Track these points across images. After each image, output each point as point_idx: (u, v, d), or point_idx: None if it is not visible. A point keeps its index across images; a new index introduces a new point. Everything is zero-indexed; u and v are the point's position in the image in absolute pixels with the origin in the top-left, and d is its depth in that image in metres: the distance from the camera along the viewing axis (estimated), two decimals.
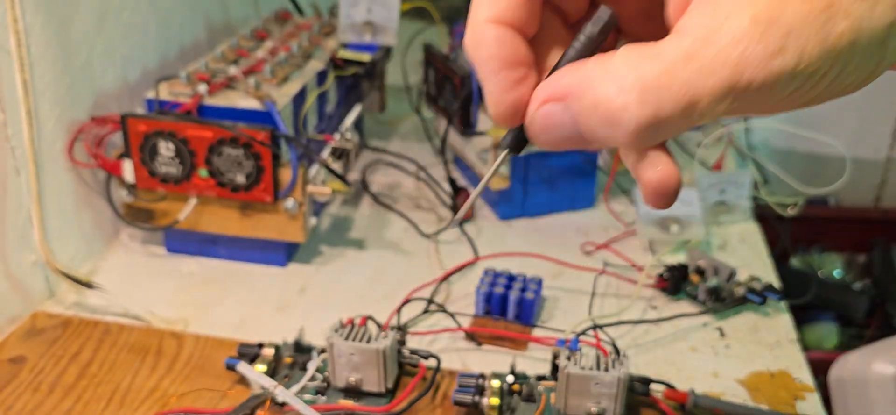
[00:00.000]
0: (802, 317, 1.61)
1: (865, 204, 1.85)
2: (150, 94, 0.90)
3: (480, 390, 0.70)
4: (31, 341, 0.80)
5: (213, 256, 0.97)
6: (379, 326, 0.78)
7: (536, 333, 0.83)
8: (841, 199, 1.83)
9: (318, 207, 1.07)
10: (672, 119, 0.26)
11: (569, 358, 0.68)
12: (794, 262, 1.69)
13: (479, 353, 0.81)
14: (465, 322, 0.84)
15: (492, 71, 0.30)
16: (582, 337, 0.80)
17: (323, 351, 0.76)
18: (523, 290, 0.84)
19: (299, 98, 0.94)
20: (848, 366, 0.23)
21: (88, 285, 0.86)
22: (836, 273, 1.76)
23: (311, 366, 0.74)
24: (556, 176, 1.08)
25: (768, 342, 0.84)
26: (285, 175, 0.87)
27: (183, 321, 0.85)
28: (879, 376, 0.21)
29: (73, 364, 0.77)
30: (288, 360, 0.75)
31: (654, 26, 0.30)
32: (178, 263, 0.96)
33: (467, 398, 0.70)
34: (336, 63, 1.06)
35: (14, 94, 0.79)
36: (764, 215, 1.18)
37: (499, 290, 0.84)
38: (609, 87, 0.26)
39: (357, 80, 1.13)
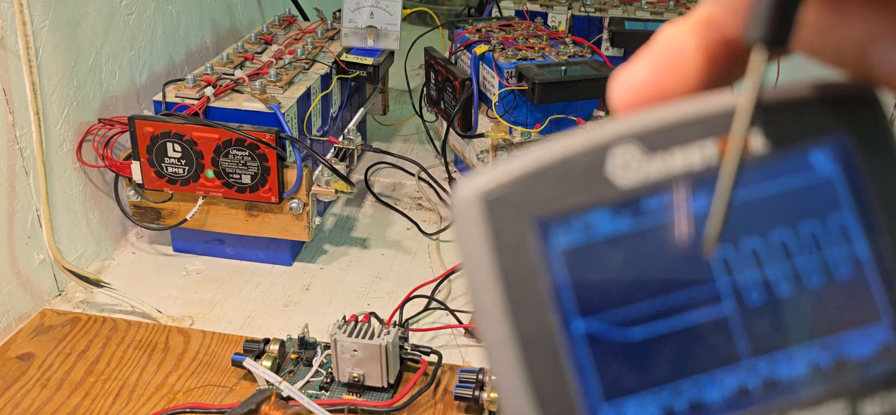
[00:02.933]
0: None
1: None
2: (158, 97, 0.90)
3: (480, 385, 0.70)
4: (39, 338, 0.80)
5: (220, 255, 0.96)
6: (381, 322, 0.78)
7: None
8: None
9: (323, 207, 1.07)
10: None
11: None
12: None
13: (480, 349, 0.81)
14: (466, 319, 0.84)
15: None
16: None
17: (327, 347, 0.75)
18: None
19: (304, 101, 0.94)
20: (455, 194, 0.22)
21: (96, 284, 0.85)
22: None
23: (316, 361, 0.74)
24: None
25: None
26: (290, 176, 0.87)
27: (190, 318, 0.84)
28: (462, 200, 0.21)
29: (80, 361, 0.76)
30: (293, 355, 0.75)
31: None
32: (184, 262, 0.95)
33: (468, 393, 0.69)
34: (340, 67, 1.05)
35: (23, 97, 0.79)
36: None
37: None
38: None
39: (360, 83, 1.13)
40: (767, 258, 0.23)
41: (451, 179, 1.11)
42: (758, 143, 0.23)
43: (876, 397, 0.23)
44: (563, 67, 0.96)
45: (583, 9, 1.30)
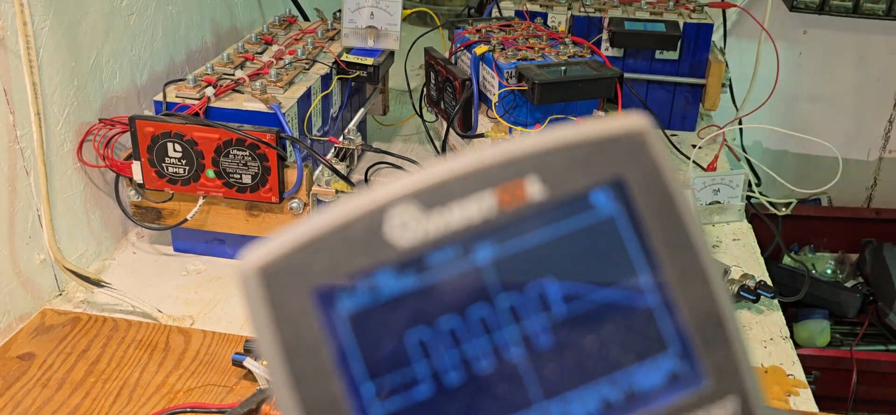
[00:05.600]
0: (795, 314, 1.61)
1: (857, 204, 1.84)
2: (158, 97, 0.90)
3: None
4: (40, 338, 0.80)
5: (220, 255, 0.97)
6: None
7: None
8: (833, 199, 1.83)
9: (323, 207, 1.07)
10: None
11: None
12: (787, 260, 1.69)
13: None
14: None
15: None
16: None
17: None
18: None
19: (304, 101, 0.94)
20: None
21: (97, 283, 0.86)
22: (829, 271, 1.75)
23: None
24: None
25: (761, 339, 0.84)
26: (291, 176, 0.87)
27: (190, 318, 0.85)
28: (243, 274, 0.21)
29: (81, 361, 0.77)
30: None
31: None
32: (185, 262, 0.96)
33: None
34: (340, 67, 1.06)
35: (24, 97, 0.79)
36: (757, 215, 1.18)
37: None
38: None
39: (360, 83, 1.13)
40: (554, 301, 0.23)
41: None
42: (535, 189, 0.23)
43: None
44: (563, 68, 0.97)
45: (582, 9, 1.30)
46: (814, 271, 1.73)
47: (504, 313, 0.23)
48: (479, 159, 0.23)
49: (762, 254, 1.02)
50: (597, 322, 0.24)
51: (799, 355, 0.82)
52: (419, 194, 0.23)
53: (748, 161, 1.39)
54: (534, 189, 0.23)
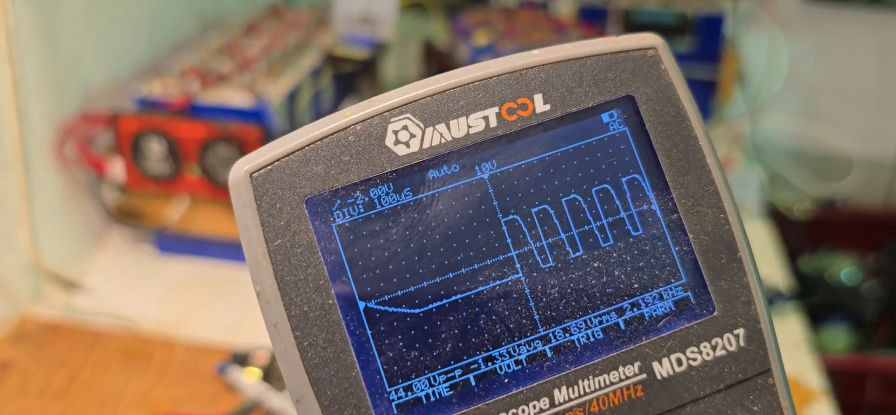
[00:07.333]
0: (811, 319, 1.61)
1: (875, 204, 1.85)
2: (142, 91, 0.90)
3: None
4: (19, 345, 0.81)
5: (206, 257, 0.97)
6: None
7: None
8: (850, 199, 1.83)
9: None
10: None
11: None
12: (803, 263, 1.70)
13: None
14: None
15: None
16: None
17: None
18: None
19: (294, 95, 0.95)
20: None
21: (78, 287, 0.86)
22: (845, 274, 1.76)
23: None
24: None
25: None
26: None
27: (174, 324, 0.85)
28: (233, 179, 0.22)
29: (62, 369, 0.77)
30: None
31: None
32: (169, 265, 0.96)
33: None
34: (332, 59, 1.06)
35: (3, 92, 0.80)
36: (771, 216, 1.19)
37: None
38: None
39: (353, 75, 1.14)
40: (561, 220, 0.23)
41: None
42: (541, 106, 0.23)
43: (671, 356, 0.23)
44: None
45: None
46: (830, 275, 1.73)
47: (508, 231, 0.23)
48: (485, 73, 0.23)
49: (778, 256, 1.03)
50: (602, 244, 0.23)
51: (815, 363, 0.83)
52: (425, 107, 0.23)
53: (762, 159, 1.40)
54: (539, 106, 0.23)
